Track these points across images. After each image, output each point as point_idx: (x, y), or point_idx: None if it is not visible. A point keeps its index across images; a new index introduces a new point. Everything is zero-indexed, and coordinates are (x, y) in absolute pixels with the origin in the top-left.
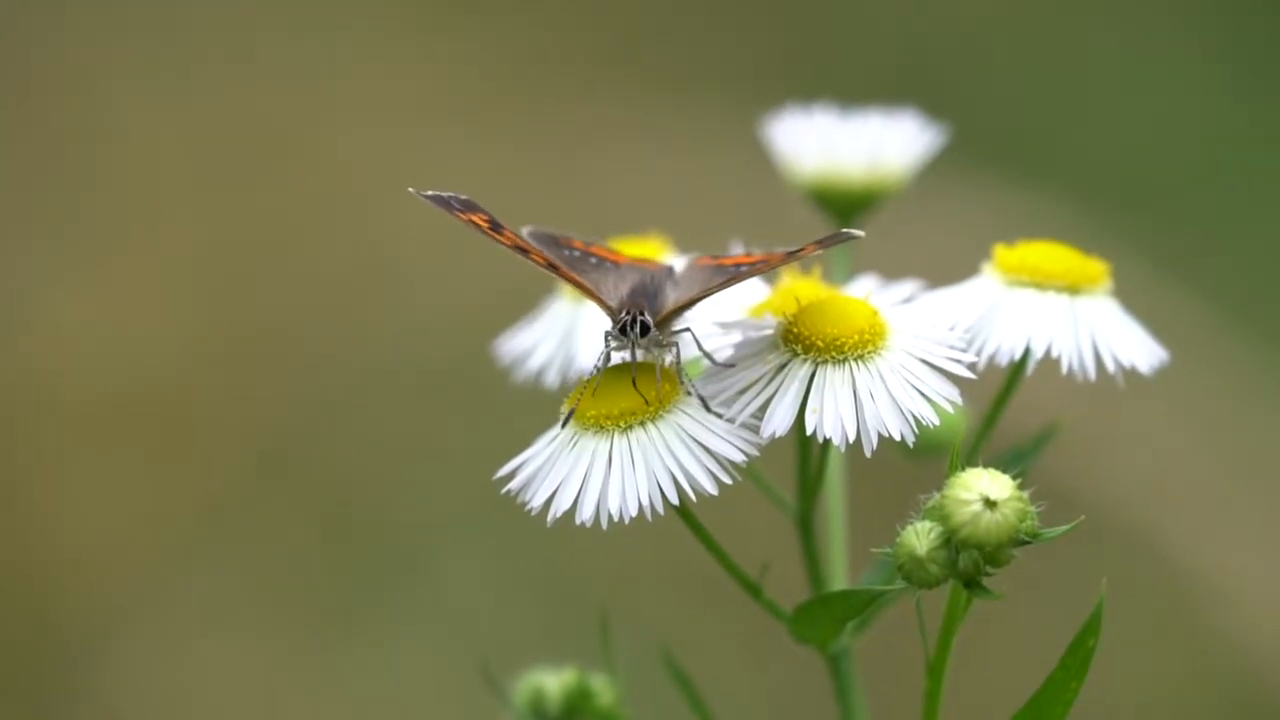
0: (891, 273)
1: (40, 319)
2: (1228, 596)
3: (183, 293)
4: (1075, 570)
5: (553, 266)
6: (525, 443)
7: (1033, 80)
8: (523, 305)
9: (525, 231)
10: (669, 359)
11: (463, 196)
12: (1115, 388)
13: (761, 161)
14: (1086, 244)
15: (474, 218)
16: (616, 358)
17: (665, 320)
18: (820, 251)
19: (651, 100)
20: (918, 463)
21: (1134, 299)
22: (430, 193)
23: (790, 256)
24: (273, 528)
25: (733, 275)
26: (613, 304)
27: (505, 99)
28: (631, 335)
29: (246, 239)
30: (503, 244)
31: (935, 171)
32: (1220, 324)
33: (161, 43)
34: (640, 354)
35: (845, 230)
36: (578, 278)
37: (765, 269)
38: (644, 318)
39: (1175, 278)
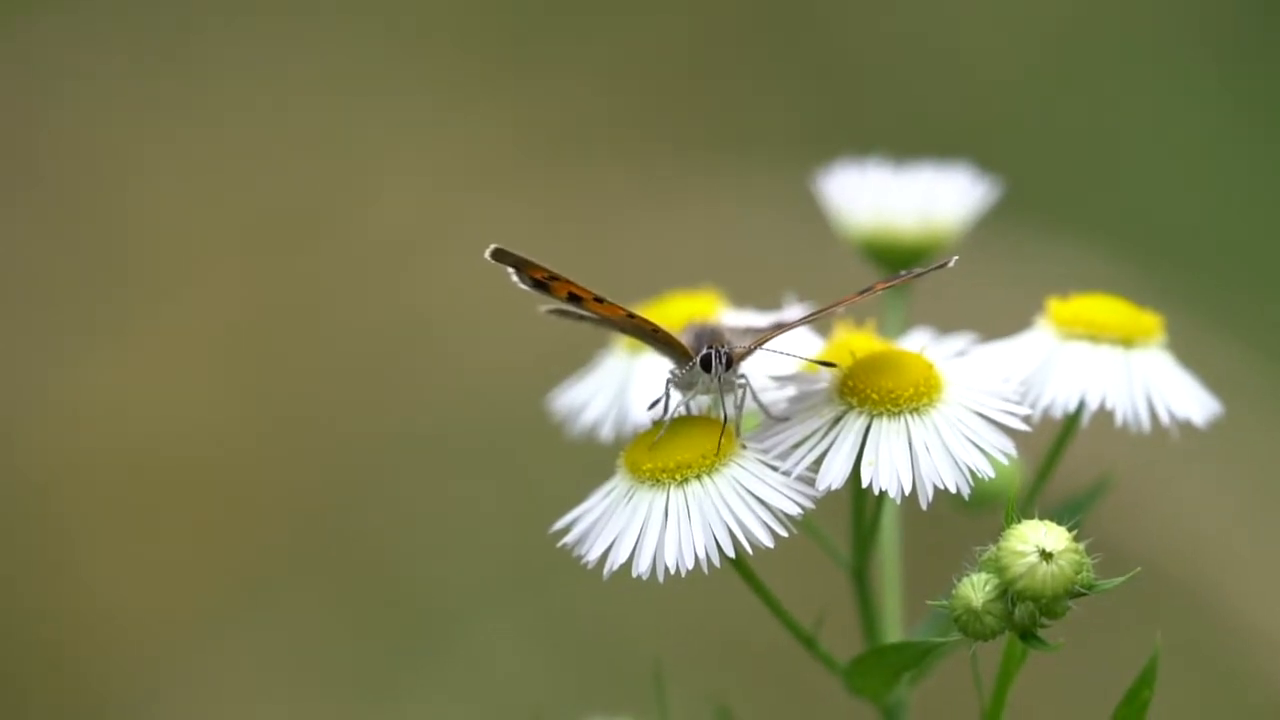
0: (942, 326)
1: (76, 393)
2: None
3: (217, 364)
4: (1131, 625)
5: (630, 315)
6: (558, 510)
7: (1076, 133)
8: (557, 370)
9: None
10: (731, 406)
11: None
12: (1171, 441)
13: (805, 222)
14: (1134, 295)
15: (534, 274)
16: (680, 404)
17: (739, 360)
18: (899, 284)
19: (689, 163)
20: (973, 515)
21: (1186, 351)
22: (508, 252)
23: (864, 294)
24: (309, 597)
25: (813, 313)
26: (687, 341)
27: (541, 164)
28: (716, 368)
29: (281, 308)
30: (559, 299)
31: (984, 226)
32: (1275, 375)
33: (192, 112)
34: (706, 399)
35: (936, 262)
36: (655, 323)
37: (844, 306)
38: (727, 350)
39: (1228, 329)
